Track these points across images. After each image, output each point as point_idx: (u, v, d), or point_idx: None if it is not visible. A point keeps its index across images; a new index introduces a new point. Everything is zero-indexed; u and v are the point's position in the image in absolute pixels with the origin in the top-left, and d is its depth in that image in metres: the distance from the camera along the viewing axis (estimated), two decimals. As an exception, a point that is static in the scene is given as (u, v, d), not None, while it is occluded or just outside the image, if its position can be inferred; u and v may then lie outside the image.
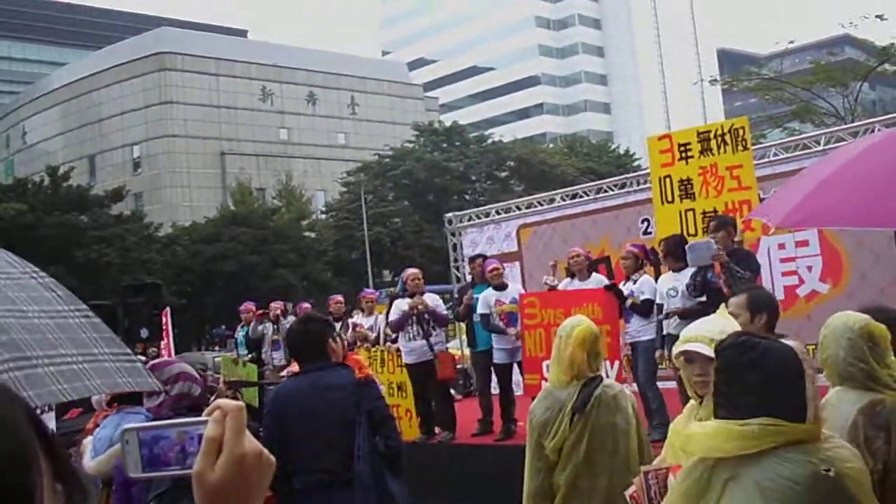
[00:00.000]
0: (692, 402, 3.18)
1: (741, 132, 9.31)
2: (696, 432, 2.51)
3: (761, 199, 9.04)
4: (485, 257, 11.18)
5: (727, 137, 9.40)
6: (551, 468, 4.49)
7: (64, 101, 78.62)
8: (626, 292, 9.13)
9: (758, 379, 2.42)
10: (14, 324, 1.54)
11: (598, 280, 9.77)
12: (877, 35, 34.20)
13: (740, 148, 9.26)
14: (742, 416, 2.39)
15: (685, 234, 9.29)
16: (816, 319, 9.10)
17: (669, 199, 9.72)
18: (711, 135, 9.51)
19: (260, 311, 13.05)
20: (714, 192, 9.34)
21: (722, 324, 3.11)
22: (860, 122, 13.76)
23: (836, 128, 14.57)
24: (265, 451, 1.20)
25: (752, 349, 2.47)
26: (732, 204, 9.21)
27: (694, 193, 9.50)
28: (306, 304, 14.98)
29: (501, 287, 10.05)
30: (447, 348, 10.66)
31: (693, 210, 9.49)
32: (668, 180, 9.76)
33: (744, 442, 2.38)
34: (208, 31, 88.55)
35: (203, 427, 1.19)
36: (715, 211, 9.16)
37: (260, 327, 12.94)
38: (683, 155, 9.66)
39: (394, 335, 10.74)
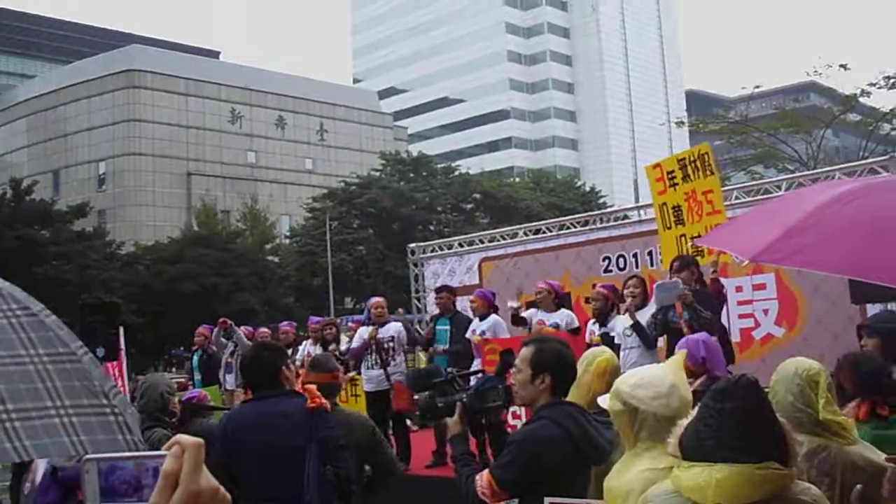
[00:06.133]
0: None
1: (706, 157, 9.39)
2: (716, 478, 2.32)
3: None
4: (450, 289, 11.16)
5: (697, 163, 9.47)
6: None
7: (31, 113, 78.02)
8: (596, 333, 9.02)
9: (766, 422, 2.41)
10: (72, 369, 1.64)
11: (564, 314, 9.73)
12: (841, 83, 34.87)
13: (708, 172, 9.33)
14: (750, 459, 2.33)
15: None
16: (771, 363, 9.16)
17: (668, 225, 9.75)
18: (687, 161, 9.58)
19: (223, 320, 12.90)
20: (696, 216, 9.37)
21: (653, 376, 3.14)
22: (822, 169, 14.00)
23: (799, 174, 14.80)
24: (221, 488, 1.20)
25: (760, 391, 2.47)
26: (709, 228, 9.22)
27: (684, 219, 9.56)
28: (264, 330, 14.86)
29: (482, 318, 10.11)
30: (408, 378, 10.63)
31: (685, 235, 9.52)
32: (665, 207, 9.79)
33: (765, 486, 2.33)
34: (180, 50, 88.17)
35: (161, 461, 1.19)
36: (699, 236, 9.19)
37: (224, 339, 12.80)
38: (671, 182, 9.72)
39: (353, 363, 10.70)
